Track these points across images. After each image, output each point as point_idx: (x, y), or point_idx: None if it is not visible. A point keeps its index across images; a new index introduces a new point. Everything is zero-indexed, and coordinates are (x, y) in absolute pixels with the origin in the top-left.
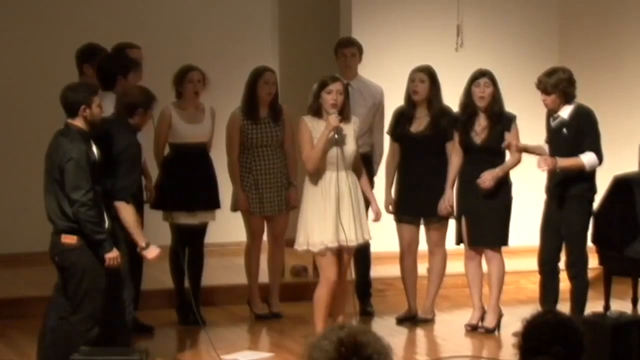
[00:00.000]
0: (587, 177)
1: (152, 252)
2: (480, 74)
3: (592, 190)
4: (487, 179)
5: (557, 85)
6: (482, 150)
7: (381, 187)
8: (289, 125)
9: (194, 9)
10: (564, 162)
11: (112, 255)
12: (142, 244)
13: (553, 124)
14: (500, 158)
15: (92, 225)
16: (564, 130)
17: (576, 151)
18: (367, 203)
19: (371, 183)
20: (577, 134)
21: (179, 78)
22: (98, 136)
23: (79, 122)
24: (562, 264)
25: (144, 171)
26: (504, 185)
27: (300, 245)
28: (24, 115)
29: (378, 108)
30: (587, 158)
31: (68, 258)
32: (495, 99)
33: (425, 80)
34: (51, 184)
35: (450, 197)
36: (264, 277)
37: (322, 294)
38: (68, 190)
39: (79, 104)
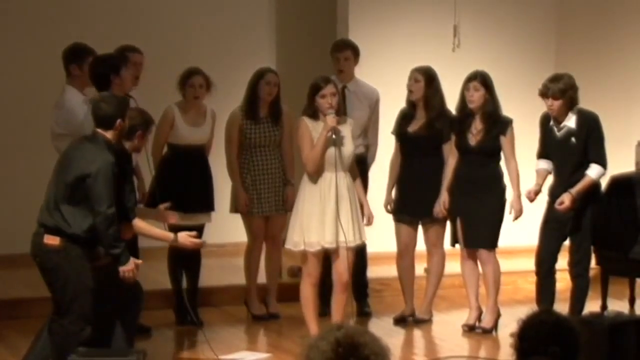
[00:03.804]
0: None
1: (185, 239)
2: (471, 78)
3: (598, 190)
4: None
5: (566, 90)
6: (477, 152)
7: (377, 187)
8: (288, 125)
9: (193, 10)
10: (578, 190)
11: (128, 268)
12: (171, 237)
13: (559, 134)
14: (495, 161)
15: (111, 239)
16: (573, 139)
17: (585, 159)
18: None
19: (365, 184)
20: (585, 142)
21: (182, 81)
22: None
23: (108, 134)
24: (559, 265)
25: (136, 172)
26: (498, 188)
27: (296, 245)
28: (23, 117)
29: (373, 110)
30: (595, 172)
31: (50, 259)
32: (487, 100)
33: (421, 79)
34: (58, 182)
35: (446, 199)
36: (261, 277)
37: (308, 293)
38: (93, 201)
39: (116, 117)
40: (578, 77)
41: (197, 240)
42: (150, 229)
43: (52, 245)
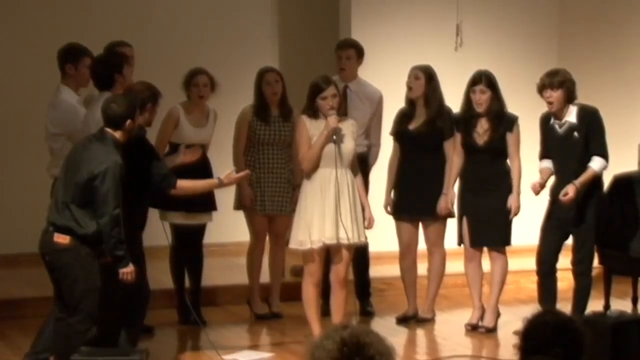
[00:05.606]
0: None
1: (229, 177)
2: (477, 80)
3: (601, 187)
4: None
5: (564, 82)
6: (485, 152)
7: (377, 188)
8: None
9: (195, 11)
10: (581, 181)
11: (127, 270)
12: (215, 181)
13: (561, 130)
14: (502, 159)
15: (115, 241)
16: (575, 134)
17: (588, 155)
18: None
19: (366, 184)
20: (587, 136)
21: (187, 80)
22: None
23: (117, 134)
24: (561, 264)
25: None
26: (506, 185)
27: (302, 244)
28: (22, 116)
29: (376, 111)
30: (597, 165)
31: (60, 259)
32: (494, 101)
33: (421, 77)
34: (67, 181)
35: (453, 197)
36: (264, 277)
37: (310, 293)
38: (99, 201)
39: (126, 118)
40: (580, 76)
41: (242, 174)
42: (194, 184)
43: (62, 244)
